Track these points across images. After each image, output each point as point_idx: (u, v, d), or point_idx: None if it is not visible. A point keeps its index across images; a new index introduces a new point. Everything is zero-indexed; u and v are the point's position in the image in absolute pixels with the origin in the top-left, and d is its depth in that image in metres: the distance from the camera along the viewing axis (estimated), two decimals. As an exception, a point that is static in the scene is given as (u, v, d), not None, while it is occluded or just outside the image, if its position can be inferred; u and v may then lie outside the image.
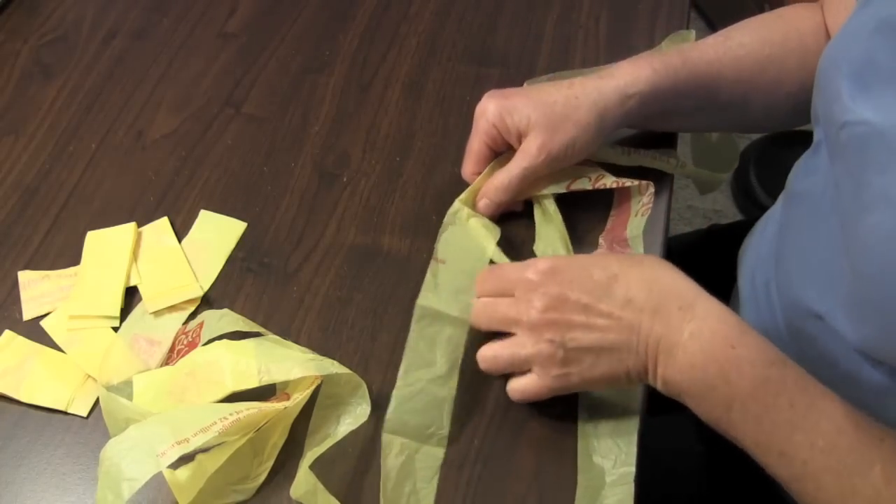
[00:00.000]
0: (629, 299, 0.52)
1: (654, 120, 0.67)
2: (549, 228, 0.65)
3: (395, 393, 0.59)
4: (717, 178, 0.75)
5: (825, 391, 0.50)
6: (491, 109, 0.63)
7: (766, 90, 0.66)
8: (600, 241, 0.67)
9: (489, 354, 0.57)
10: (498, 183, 0.64)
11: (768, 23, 0.68)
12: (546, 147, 0.62)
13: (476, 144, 0.66)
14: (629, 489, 0.55)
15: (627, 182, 0.66)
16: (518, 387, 0.56)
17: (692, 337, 0.50)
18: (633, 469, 0.56)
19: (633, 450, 0.56)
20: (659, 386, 0.53)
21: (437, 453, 0.59)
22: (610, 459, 0.56)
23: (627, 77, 0.63)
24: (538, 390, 0.56)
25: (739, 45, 0.66)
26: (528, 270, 0.54)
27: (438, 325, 0.59)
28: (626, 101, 0.63)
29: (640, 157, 0.70)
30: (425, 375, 0.59)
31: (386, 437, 0.58)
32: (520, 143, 0.64)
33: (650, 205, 0.65)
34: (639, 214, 0.65)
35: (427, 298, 0.61)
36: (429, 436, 0.58)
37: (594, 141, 0.64)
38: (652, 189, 0.66)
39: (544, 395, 0.56)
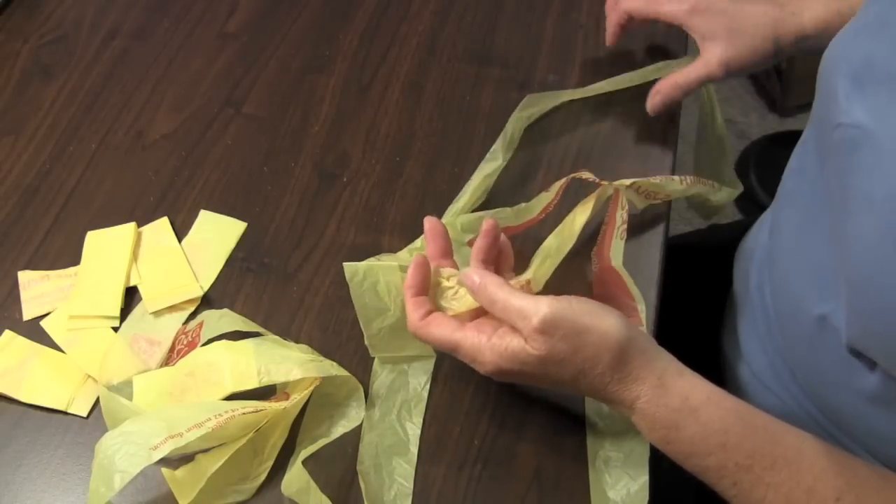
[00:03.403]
0: (580, 392, 0.54)
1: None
2: (556, 240, 0.64)
3: (367, 342, 0.61)
4: (718, 199, 0.76)
5: (777, 460, 0.50)
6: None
7: None
8: (592, 256, 0.67)
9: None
10: (674, 82, 0.70)
11: None
12: (726, 61, 0.68)
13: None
14: None
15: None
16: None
17: (635, 424, 0.54)
18: (646, 496, 0.56)
19: (646, 478, 0.57)
20: None
21: (427, 364, 0.62)
22: (622, 491, 0.57)
23: (815, 18, 0.67)
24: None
25: None
26: (477, 366, 0.54)
27: (371, 278, 0.59)
28: (802, 41, 0.68)
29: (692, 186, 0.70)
30: (384, 322, 0.60)
31: (378, 363, 0.61)
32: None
33: (626, 226, 0.64)
34: (617, 237, 0.65)
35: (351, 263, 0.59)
36: (416, 356, 0.62)
37: (765, 64, 0.69)
38: (626, 207, 0.65)
39: None
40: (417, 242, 0.64)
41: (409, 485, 0.58)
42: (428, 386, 0.62)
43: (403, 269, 0.58)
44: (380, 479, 0.58)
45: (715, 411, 0.52)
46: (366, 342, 0.61)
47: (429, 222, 0.59)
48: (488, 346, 0.53)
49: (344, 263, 0.58)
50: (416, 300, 0.56)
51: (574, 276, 0.67)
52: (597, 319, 0.52)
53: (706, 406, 0.52)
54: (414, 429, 0.60)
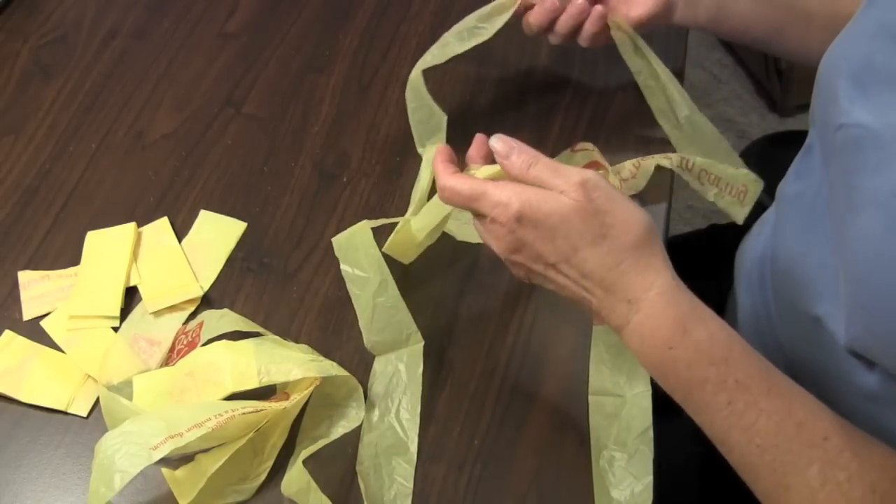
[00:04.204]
0: (586, 272, 0.52)
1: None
2: None
3: (361, 324, 0.62)
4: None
5: (775, 385, 0.50)
6: None
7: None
8: None
9: (481, 232, 0.56)
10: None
11: None
12: None
13: None
14: None
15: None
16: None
17: (633, 331, 0.52)
18: (650, 497, 0.56)
19: (650, 479, 0.56)
20: None
21: (417, 349, 0.62)
22: (626, 491, 0.56)
23: None
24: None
25: None
26: (500, 210, 0.52)
27: (353, 251, 0.61)
28: None
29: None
30: (368, 293, 0.61)
31: (377, 363, 0.62)
32: None
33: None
34: None
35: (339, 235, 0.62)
36: (406, 339, 0.62)
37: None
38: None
39: None
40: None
41: (409, 484, 0.58)
42: (421, 383, 0.61)
43: (374, 226, 0.62)
44: (379, 480, 0.58)
45: (721, 326, 0.51)
46: (360, 325, 0.62)
47: (480, 133, 0.59)
48: (515, 192, 0.51)
49: (332, 239, 0.61)
50: (447, 164, 0.56)
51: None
52: (631, 202, 0.52)
53: (713, 319, 0.51)
54: (413, 428, 0.60)
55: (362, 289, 0.61)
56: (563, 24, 0.71)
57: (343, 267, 0.61)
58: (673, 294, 0.51)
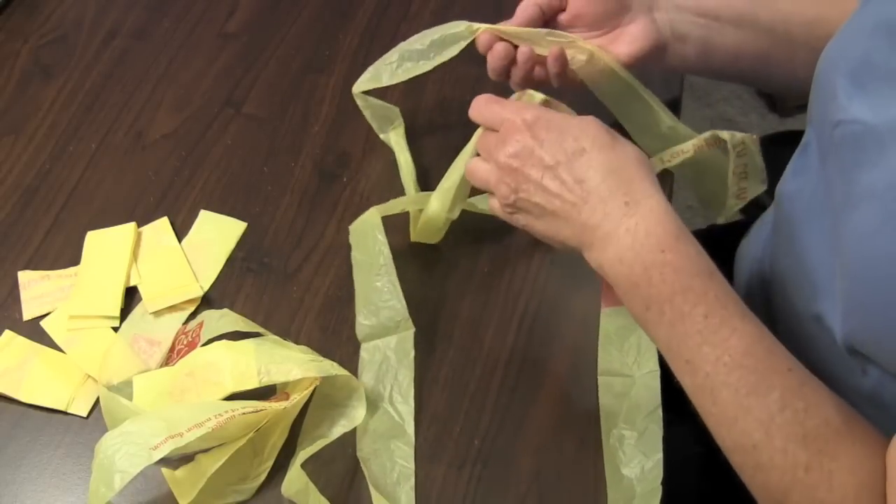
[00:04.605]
0: (585, 178, 0.54)
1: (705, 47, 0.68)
2: None
3: (356, 307, 0.64)
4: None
5: (748, 313, 0.51)
6: None
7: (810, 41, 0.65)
8: None
9: (470, 167, 0.61)
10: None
11: None
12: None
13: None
14: (657, 492, 0.56)
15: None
16: (489, 204, 0.61)
17: (627, 232, 0.53)
18: (660, 473, 0.56)
19: (660, 455, 0.57)
20: (592, 266, 0.55)
21: (408, 335, 0.63)
22: (637, 468, 0.57)
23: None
24: (497, 213, 0.60)
25: None
26: (518, 115, 0.56)
27: (362, 236, 0.64)
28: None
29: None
30: (371, 274, 0.63)
31: (363, 347, 0.62)
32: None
33: None
34: None
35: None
36: (395, 326, 0.62)
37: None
38: None
39: (502, 218, 0.60)
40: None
41: (411, 465, 0.58)
42: (413, 368, 0.62)
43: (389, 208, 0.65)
44: (381, 465, 0.58)
45: (706, 253, 0.53)
46: (356, 309, 0.63)
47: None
48: (525, 108, 0.57)
49: (350, 227, 0.64)
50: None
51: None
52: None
53: (700, 245, 0.54)
54: (408, 411, 0.60)
55: (365, 273, 0.63)
56: (515, 75, 0.68)
57: (353, 254, 0.63)
58: (668, 209, 0.53)
